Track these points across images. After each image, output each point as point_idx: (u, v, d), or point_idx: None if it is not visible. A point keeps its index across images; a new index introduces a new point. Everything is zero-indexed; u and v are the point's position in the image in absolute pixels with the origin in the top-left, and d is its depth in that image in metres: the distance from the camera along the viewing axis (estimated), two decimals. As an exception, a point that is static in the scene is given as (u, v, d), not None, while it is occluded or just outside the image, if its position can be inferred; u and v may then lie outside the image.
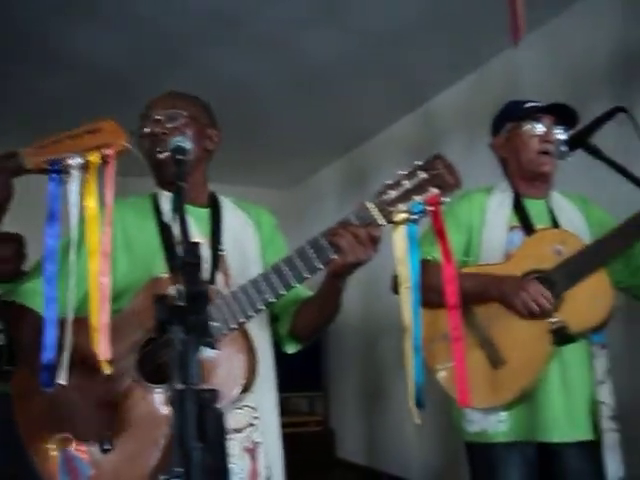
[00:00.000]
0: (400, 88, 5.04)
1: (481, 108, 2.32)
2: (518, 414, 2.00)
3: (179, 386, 0.91)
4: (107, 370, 1.35)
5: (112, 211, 1.36)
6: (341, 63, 4.58)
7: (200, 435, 0.89)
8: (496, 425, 2.01)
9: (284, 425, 6.60)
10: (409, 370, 1.48)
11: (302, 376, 6.74)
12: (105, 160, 1.37)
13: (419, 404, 1.49)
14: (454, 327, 1.52)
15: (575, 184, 2.55)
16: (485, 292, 1.98)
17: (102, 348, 1.34)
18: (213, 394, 0.93)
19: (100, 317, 1.34)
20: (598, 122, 1.79)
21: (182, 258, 1.08)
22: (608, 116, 1.77)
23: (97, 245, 1.36)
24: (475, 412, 2.03)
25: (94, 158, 1.37)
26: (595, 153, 1.76)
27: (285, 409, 6.71)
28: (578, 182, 2.64)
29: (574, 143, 1.84)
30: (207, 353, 0.97)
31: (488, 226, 2.11)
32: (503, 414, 2.00)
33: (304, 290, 1.82)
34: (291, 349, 1.90)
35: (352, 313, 6.13)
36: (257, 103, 5.21)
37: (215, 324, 1.49)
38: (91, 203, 1.36)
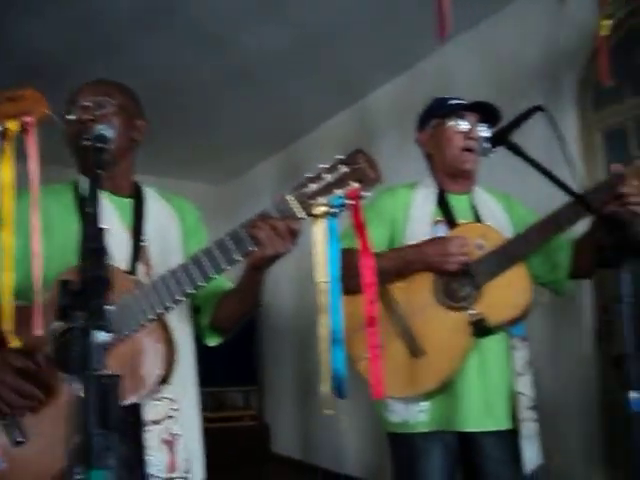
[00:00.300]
0: (336, 85, 5.07)
1: (414, 106, 2.34)
2: (438, 404, 2.03)
3: (82, 372, 0.90)
4: (15, 343, 1.33)
5: (38, 180, 1.34)
6: (278, 58, 4.58)
7: (102, 422, 0.88)
8: (417, 415, 2.04)
9: (219, 420, 6.62)
10: (324, 360, 1.49)
11: (237, 370, 6.73)
12: (25, 128, 1.34)
13: (340, 394, 1.51)
14: (370, 321, 1.53)
15: (503, 181, 2.61)
16: (409, 264, 2.01)
17: (36, 321, 1.34)
18: (114, 379, 0.92)
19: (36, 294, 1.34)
20: (518, 120, 1.82)
21: (86, 243, 1.06)
22: (528, 115, 1.80)
23: (10, 215, 1.33)
24: (396, 402, 2.06)
25: (12, 125, 1.33)
26: (515, 150, 1.79)
27: (220, 403, 6.66)
28: (505, 179, 2.71)
29: (496, 140, 1.87)
30: (102, 337, 0.95)
31: (412, 220, 2.13)
32: (423, 404, 2.04)
33: (225, 282, 1.82)
34: (212, 341, 1.89)
35: (287, 307, 6.14)
36: (193, 94, 5.16)
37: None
38: (7, 172, 1.33)
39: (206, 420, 6.02)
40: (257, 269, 1.58)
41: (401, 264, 2.02)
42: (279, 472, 6.33)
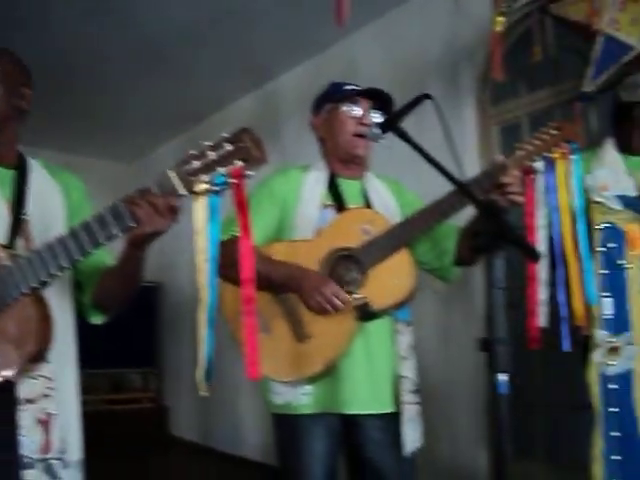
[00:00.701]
0: (243, 67, 5.06)
1: (319, 92, 2.34)
2: (322, 387, 2.05)
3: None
4: None
5: None
6: (183, 37, 4.52)
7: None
8: (300, 398, 2.05)
9: (116, 402, 6.48)
10: (201, 342, 1.49)
11: (136, 351, 6.63)
12: None
13: (207, 377, 1.51)
14: (246, 301, 1.52)
15: (400, 168, 2.65)
16: (287, 283, 2.00)
17: None
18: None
19: None
20: (407, 108, 1.85)
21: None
22: (416, 102, 1.83)
23: None
24: (281, 385, 2.07)
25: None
26: (403, 137, 1.82)
27: (118, 385, 6.54)
28: (403, 166, 2.75)
29: (385, 126, 1.90)
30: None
31: (302, 203, 2.14)
32: (307, 387, 2.05)
33: (109, 258, 1.78)
34: (95, 320, 1.84)
35: (186, 287, 6.07)
36: (98, 71, 5.03)
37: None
38: None
39: (104, 402, 5.95)
40: (136, 246, 1.55)
41: (284, 280, 2.01)
42: (177, 455, 6.28)
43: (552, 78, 3.57)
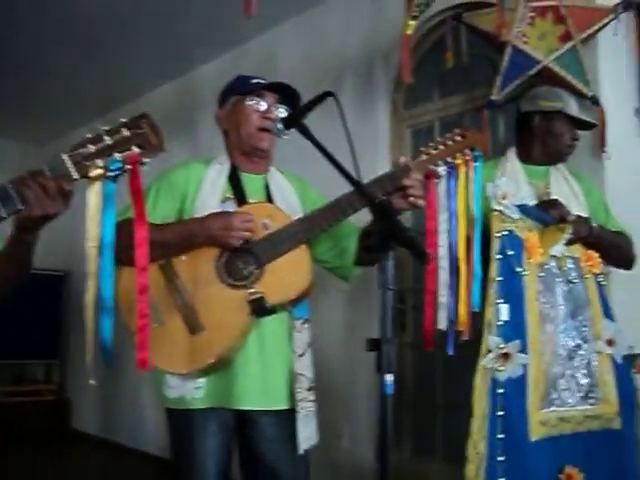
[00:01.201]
0: (163, 56, 4.98)
1: (226, 84, 2.31)
2: (215, 381, 2.03)
3: None
4: None
5: None
6: (104, 21, 4.40)
7: None
8: (193, 391, 2.02)
9: (17, 394, 6.25)
10: (89, 329, 1.46)
11: (38, 342, 6.44)
12: None
13: (107, 364, 1.51)
14: (140, 289, 1.52)
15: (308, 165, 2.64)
16: (190, 238, 1.98)
17: None
18: None
19: None
20: (310, 104, 1.85)
21: None
22: (319, 100, 1.83)
23: None
24: (174, 378, 2.03)
25: None
26: (305, 133, 1.82)
27: (19, 377, 6.32)
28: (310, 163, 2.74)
29: (289, 122, 1.90)
30: None
31: (202, 195, 2.10)
32: (200, 380, 2.02)
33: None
34: None
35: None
36: (11, 51, 4.85)
37: None
38: None
39: (5, 394, 5.72)
40: (25, 230, 1.49)
41: (184, 236, 1.98)
42: (78, 449, 6.14)
43: (464, 85, 3.64)
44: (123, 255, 1.59)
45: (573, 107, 2.62)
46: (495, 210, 2.31)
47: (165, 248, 1.97)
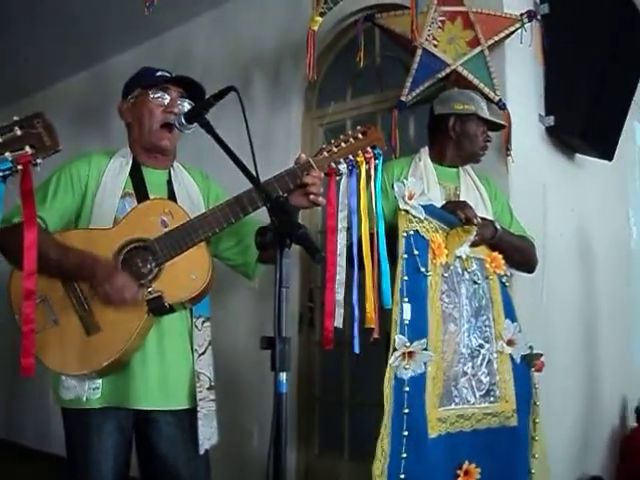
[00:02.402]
0: (73, 45, 4.83)
1: (130, 76, 2.25)
2: (113, 381, 1.98)
3: None
4: None
5: None
6: (10, 4, 4.23)
7: None
8: (90, 392, 1.98)
9: None
10: None
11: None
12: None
13: None
14: (27, 294, 1.48)
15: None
16: (80, 271, 1.92)
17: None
18: None
19: None
20: (213, 99, 1.82)
21: None
22: (221, 94, 1.80)
23: None
24: (70, 379, 1.98)
25: None
26: (207, 128, 1.80)
27: None
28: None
29: (191, 117, 1.86)
30: None
31: (102, 189, 2.05)
32: (98, 381, 1.98)
33: None
34: None
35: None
36: None
37: None
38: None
39: None
40: None
41: (73, 269, 1.92)
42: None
43: (376, 86, 3.68)
44: (18, 257, 1.54)
45: (484, 109, 2.69)
46: (402, 210, 2.33)
47: (61, 270, 1.92)
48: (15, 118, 1.34)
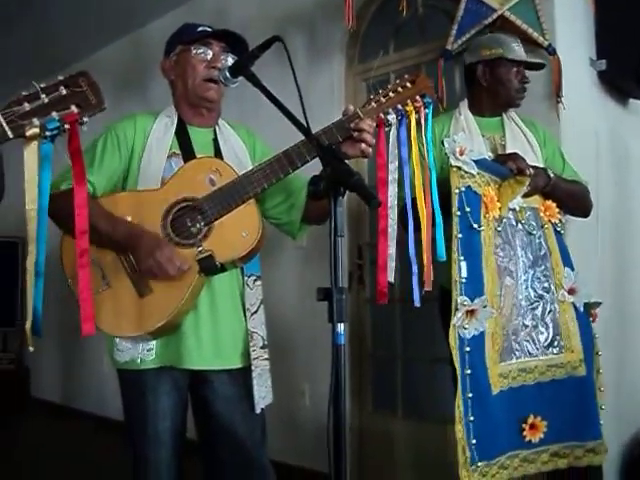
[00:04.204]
0: (109, 13, 4.82)
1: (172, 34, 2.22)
2: (167, 342, 1.98)
3: None
4: None
5: None
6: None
7: None
8: (145, 353, 1.98)
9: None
10: (29, 296, 1.40)
11: (-6, 310, 6.33)
12: None
13: (36, 331, 1.42)
14: (80, 254, 1.47)
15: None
16: (126, 243, 1.91)
17: None
18: None
19: None
20: (257, 51, 1.78)
21: None
22: (266, 46, 1.76)
23: None
24: (124, 341, 1.98)
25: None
26: (253, 81, 1.75)
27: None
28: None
29: (236, 70, 1.82)
30: None
31: (149, 150, 2.03)
32: (152, 343, 1.98)
33: None
34: None
35: (50, 244, 5.81)
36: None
37: None
38: None
39: (-40, 363, 5.52)
40: None
41: (121, 240, 1.91)
42: (38, 417, 6.08)
43: (420, 37, 3.59)
44: (69, 223, 1.55)
45: (515, 50, 2.59)
46: (453, 166, 2.25)
47: (109, 240, 1.91)
48: (60, 77, 1.32)
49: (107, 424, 4.99)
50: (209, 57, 2.06)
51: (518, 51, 2.59)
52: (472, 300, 2.15)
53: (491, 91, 2.58)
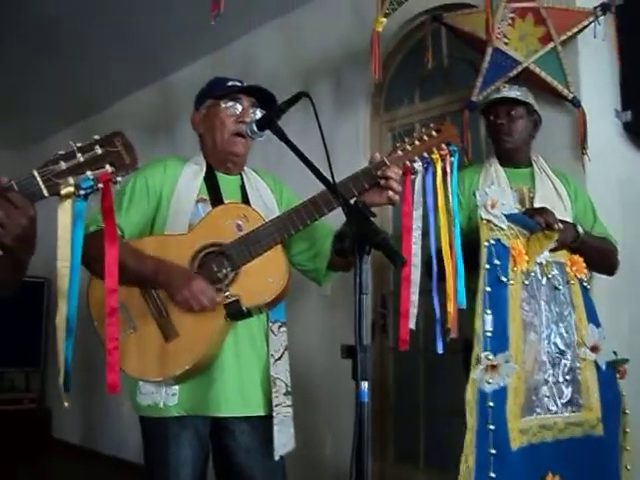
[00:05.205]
0: (142, 59, 4.92)
1: (202, 87, 2.27)
2: (190, 388, 1.98)
3: None
4: None
5: None
6: (78, 20, 4.33)
7: None
8: (167, 398, 1.98)
9: (-4, 402, 5.78)
10: (60, 351, 1.41)
11: (19, 350, 6.35)
12: None
13: (65, 387, 1.43)
14: (110, 312, 1.48)
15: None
16: (155, 279, 1.92)
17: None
18: None
19: None
20: (284, 106, 1.82)
21: None
22: (293, 101, 1.80)
23: None
24: (148, 385, 1.99)
25: None
26: (279, 134, 1.79)
27: (-1, 385, 6.05)
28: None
29: (263, 124, 1.86)
30: None
31: (177, 195, 2.06)
32: (175, 387, 1.98)
33: None
34: None
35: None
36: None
37: None
38: None
39: (-18, 402, 5.51)
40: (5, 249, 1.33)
41: (150, 276, 1.93)
42: (59, 458, 6.04)
43: (445, 87, 3.63)
44: (95, 266, 1.58)
45: (502, 92, 2.65)
46: (484, 219, 2.26)
47: (137, 277, 1.92)
48: (95, 137, 1.34)
49: (126, 466, 4.97)
50: (238, 111, 2.10)
51: (502, 92, 2.64)
52: (495, 355, 2.12)
53: (493, 140, 2.64)
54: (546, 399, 2.26)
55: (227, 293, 1.90)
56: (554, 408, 2.26)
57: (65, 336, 1.41)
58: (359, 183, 1.92)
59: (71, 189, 1.31)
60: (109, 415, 5.52)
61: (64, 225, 1.35)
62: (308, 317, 3.83)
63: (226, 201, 2.08)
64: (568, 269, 2.41)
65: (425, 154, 1.97)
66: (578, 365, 2.33)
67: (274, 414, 2.01)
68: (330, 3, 4.05)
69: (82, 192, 1.32)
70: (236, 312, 1.90)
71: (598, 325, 2.39)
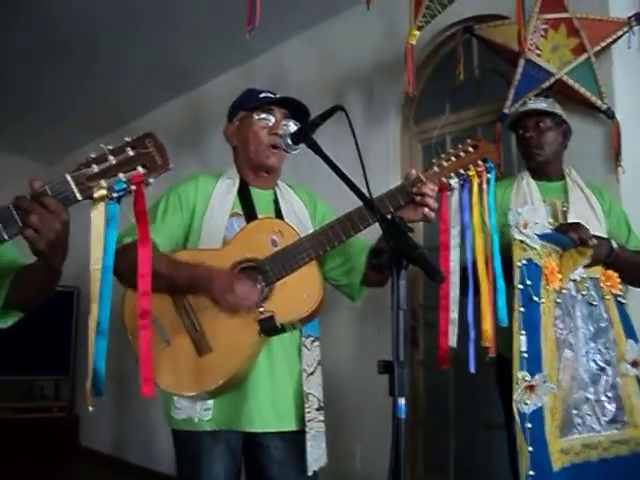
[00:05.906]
0: (169, 71, 4.96)
1: (235, 99, 2.27)
2: (224, 403, 1.98)
3: None
4: None
5: None
6: (108, 35, 4.38)
7: None
8: (202, 413, 1.98)
9: (26, 410, 6.23)
10: (90, 353, 1.41)
11: (49, 358, 6.41)
12: None
13: (97, 391, 1.42)
14: (142, 314, 1.47)
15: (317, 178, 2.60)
16: (195, 284, 1.91)
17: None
18: None
19: None
20: (319, 119, 1.81)
21: None
22: (328, 114, 1.79)
23: None
24: (182, 399, 1.98)
25: None
26: (314, 148, 1.78)
27: (29, 393, 6.25)
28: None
29: (297, 137, 1.86)
30: None
31: (211, 210, 2.06)
32: (209, 402, 1.98)
33: (23, 259, 1.65)
34: (5, 323, 1.68)
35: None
36: (13, 66, 4.83)
37: None
38: None
39: (13, 410, 5.66)
40: (37, 254, 1.36)
41: (187, 282, 1.92)
42: (87, 467, 6.07)
43: (476, 99, 3.60)
44: (130, 278, 1.58)
45: (529, 105, 2.64)
46: (517, 239, 2.24)
47: (172, 285, 1.91)
48: (127, 139, 1.34)
49: (156, 478, 4.98)
50: (271, 123, 2.10)
51: (529, 104, 2.62)
52: (532, 375, 2.10)
53: (523, 154, 2.60)
54: (588, 417, 2.23)
55: (262, 309, 1.89)
56: (597, 426, 2.23)
57: (96, 338, 1.40)
58: (395, 199, 1.91)
59: (104, 192, 1.31)
60: (139, 425, 5.54)
61: (97, 228, 1.35)
62: (338, 331, 3.82)
63: (260, 216, 2.08)
64: (602, 284, 2.38)
65: (461, 170, 1.95)
66: (619, 381, 2.29)
67: (307, 429, 2.00)
68: (360, 14, 4.01)
69: (115, 195, 1.32)
70: (270, 328, 1.90)
71: (637, 340, 2.35)
